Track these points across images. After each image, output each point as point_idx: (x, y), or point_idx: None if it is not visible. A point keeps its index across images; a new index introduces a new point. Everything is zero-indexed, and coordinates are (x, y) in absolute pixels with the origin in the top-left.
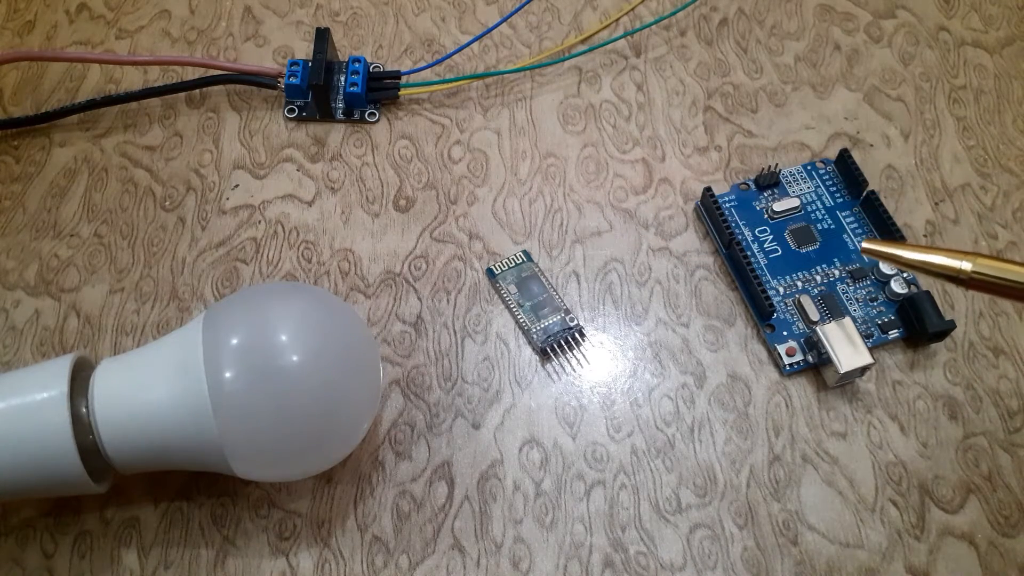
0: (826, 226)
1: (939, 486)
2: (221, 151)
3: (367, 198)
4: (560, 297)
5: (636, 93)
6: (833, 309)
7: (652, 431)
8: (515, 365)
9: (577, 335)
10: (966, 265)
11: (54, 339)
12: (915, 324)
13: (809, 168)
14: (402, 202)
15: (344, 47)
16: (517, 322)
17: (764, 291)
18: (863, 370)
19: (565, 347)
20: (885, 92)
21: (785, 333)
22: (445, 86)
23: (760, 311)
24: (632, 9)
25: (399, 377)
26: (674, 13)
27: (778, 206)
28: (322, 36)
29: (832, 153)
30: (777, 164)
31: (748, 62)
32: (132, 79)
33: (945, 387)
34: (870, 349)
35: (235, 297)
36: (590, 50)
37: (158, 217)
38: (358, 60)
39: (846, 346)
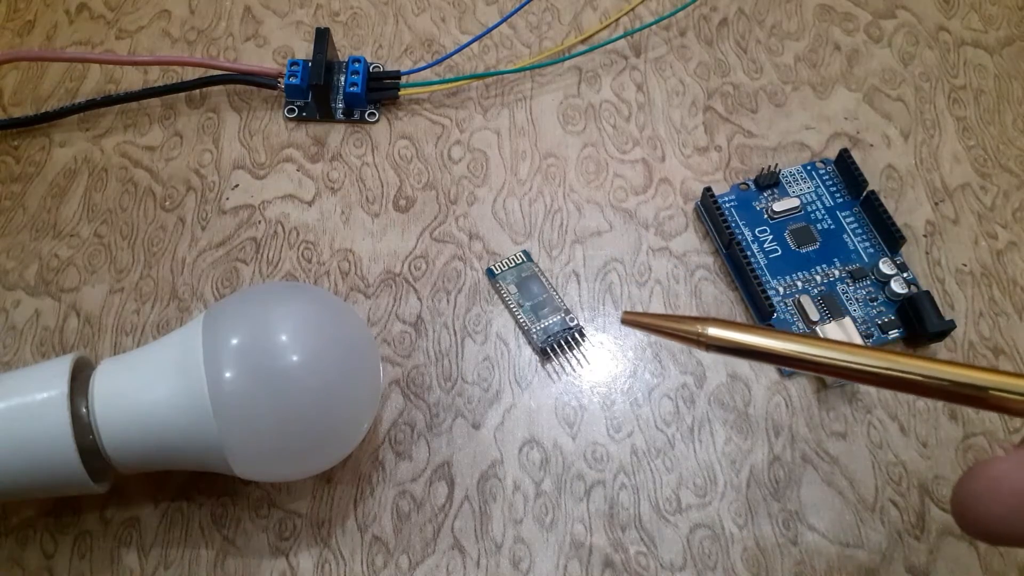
0: (826, 226)
1: (939, 486)
2: (221, 151)
3: (367, 198)
4: (560, 297)
5: (636, 93)
6: (833, 309)
7: (652, 431)
8: (515, 365)
9: (577, 335)
10: (703, 329)
11: (54, 339)
12: (915, 324)
13: (809, 168)
14: (402, 202)
15: (344, 47)
16: (517, 322)
17: (764, 291)
18: None
19: (565, 347)
20: (885, 92)
21: None
22: (445, 86)
23: (760, 311)
24: (632, 9)
25: (399, 377)
26: (674, 13)
27: (778, 206)
28: (322, 36)
29: (832, 153)
30: (777, 164)
31: (748, 62)
32: (132, 79)
33: None
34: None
35: (235, 297)
36: (590, 50)
37: (158, 217)
38: (358, 60)
39: None
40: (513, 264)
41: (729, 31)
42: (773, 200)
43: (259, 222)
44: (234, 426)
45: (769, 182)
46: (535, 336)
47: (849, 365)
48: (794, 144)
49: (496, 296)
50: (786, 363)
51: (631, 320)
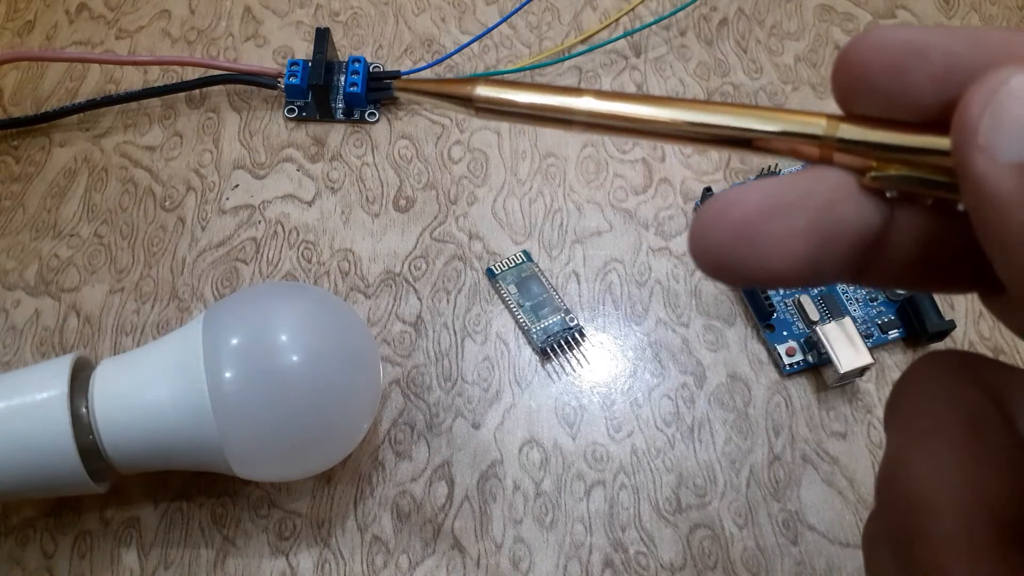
0: None
1: None
2: (221, 151)
3: (367, 198)
4: (560, 297)
5: None
6: (833, 309)
7: (652, 431)
8: (515, 365)
9: (577, 335)
10: (471, 89)
11: (54, 339)
12: (915, 324)
13: None
14: (402, 202)
15: (344, 47)
16: (517, 322)
17: (764, 291)
18: (863, 370)
19: (565, 347)
20: None
21: (785, 333)
22: None
23: (760, 311)
24: (632, 9)
25: (399, 377)
26: (674, 13)
27: None
28: (322, 36)
29: None
30: (777, 164)
31: (748, 62)
32: (132, 79)
33: None
34: (870, 349)
35: (235, 297)
36: (590, 50)
37: (158, 217)
38: (358, 60)
39: (846, 346)
40: (513, 264)
41: (729, 31)
42: None
43: (259, 222)
44: (234, 426)
45: None
46: (535, 336)
47: (622, 116)
48: None
49: (496, 296)
50: (568, 124)
51: (403, 86)
